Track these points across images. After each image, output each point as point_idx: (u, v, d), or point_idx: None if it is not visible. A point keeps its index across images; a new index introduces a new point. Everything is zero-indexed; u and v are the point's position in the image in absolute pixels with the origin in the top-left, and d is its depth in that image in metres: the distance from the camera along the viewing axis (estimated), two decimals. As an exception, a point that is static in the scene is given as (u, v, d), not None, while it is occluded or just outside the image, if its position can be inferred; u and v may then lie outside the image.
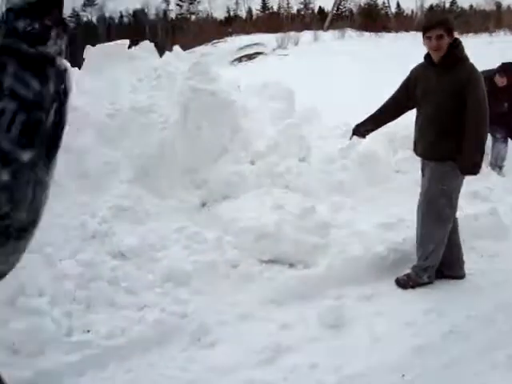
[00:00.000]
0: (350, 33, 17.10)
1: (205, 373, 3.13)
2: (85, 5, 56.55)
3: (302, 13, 50.07)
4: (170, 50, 6.47)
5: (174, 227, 4.32)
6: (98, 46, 6.01)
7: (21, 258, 1.70)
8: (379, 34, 17.03)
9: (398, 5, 54.38)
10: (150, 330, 3.48)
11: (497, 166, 6.53)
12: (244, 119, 5.52)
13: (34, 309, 3.57)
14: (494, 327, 3.37)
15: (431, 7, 43.25)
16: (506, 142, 6.61)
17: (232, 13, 59.29)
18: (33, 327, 3.43)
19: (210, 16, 53.30)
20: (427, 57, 3.80)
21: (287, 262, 4.21)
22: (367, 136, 4.29)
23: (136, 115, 4.95)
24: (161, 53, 6.33)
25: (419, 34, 3.83)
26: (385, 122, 4.22)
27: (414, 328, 3.41)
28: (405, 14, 49.03)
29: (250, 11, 56.27)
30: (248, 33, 19.21)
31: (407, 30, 18.96)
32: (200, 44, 19.16)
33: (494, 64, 6.56)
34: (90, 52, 5.95)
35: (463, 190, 5.17)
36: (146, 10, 55.88)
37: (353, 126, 4.26)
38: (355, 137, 4.23)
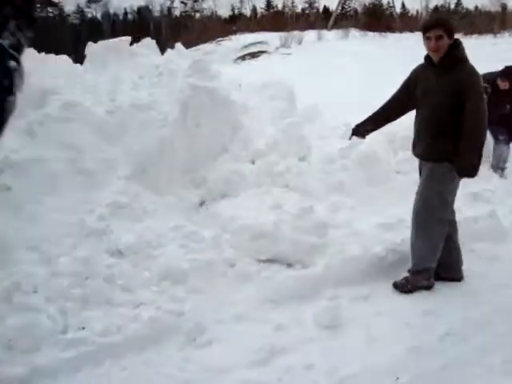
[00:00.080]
0: (354, 32, 17.05)
1: (200, 372, 3.11)
2: (89, 1, 56.61)
3: (307, 12, 50.01)
4: (173, 47, 6.45)
5: (171, 225, 4.30)
6: (100, 42, 6.01)
7: None
8: (383, 34, 16.97)
9: (403, 5, 54.31)
10: (146, 328, 3.46)
11: (499, 168, 6.51)
12: (244, 118, 5.51)
13: (30, 305, 3.57)
14: (490, 330, 3.34)
15: (436, 8, 43.15)
16: (508, 143, 6.59)
17: (236, 11, 59.37)
18: (28, 324, 3.42)
19: (215, 14, 53.30)
20: (427, 57, 3.78)
21: (285, 261, 4.20)
22: (367, 136, 4.27)
23: (136, 112, 4.93)
24: (164, 50, 6.33)
25: (424, 35, 3.79)
26: (385, 123, 4.20)
27: (410, 330, 3.39)
28: (410, 15, 48.92)
29: (254, 9, 56.22)
30: (252, 31, 19.18)
31: (412, 31, 18.88)
32: (204, 42, 19.14)
33: (497, 66, 6.53)
34: (91, 48, 5.96)
35: (463, 191, 5.16)
36: (151, 7, 55.95)
37: (353, 126, 4.24)
38: (355, 137, 4.21)
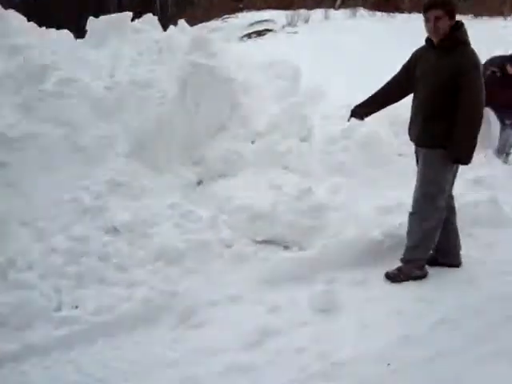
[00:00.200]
0: (362, 12, 16.73)
1: (191, 353, 3.12)
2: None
3: (315, -10, 49.29)
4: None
5: (168, 204, 4.27)
6: (101, 17, 5.92)
7: None
8: (392, 14, 16.68)
9: (414, -15, 53.49)
10: (139, 307, 3.47)
11: (504, 152, 6.41)
12: (245, 96, 5.43)
13: (24, 282, 3.58)
14: (484, 319, 3.30)
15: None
16: (514, 128, 6.48)
17: (244, -12, 58.58)
18: (22, 301, 3.44)
19: (223, -10, 52.62)
20: (428, 39, 3.69)
21: (282, 243, 4.18)
22: (366, 118, 4.20)
23: (135, 89, 4.86)
24: (167, 27, 6.23)
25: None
26: (384, 105, 4.12)
27: (403, 316, 3.36)
28: (420, -5, 48.26)
29: (262, -13, 55.47)
30: (259, 9, 18.92)
31: (420, 12, 18.51)
32: (210, 19, 18.94)
33: (507, 49, 6.42)
34: (92, 23, 5.86)
35: (465, 176, 5.10)
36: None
37: (352, 107, 4.16)
38: (353, 119, 4.13)
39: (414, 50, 3.88)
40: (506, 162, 6.19)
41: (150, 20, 6.02)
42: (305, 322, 3.35)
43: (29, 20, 5.66)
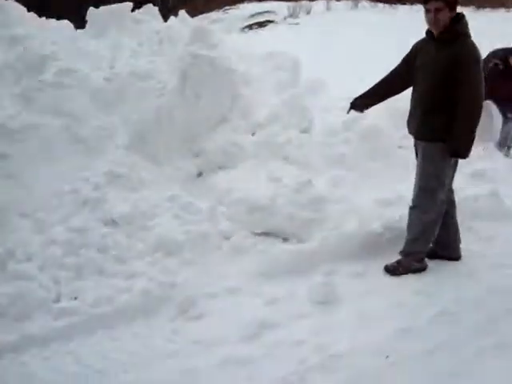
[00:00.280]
0: (364, 3, 16.63)
1: (188, 345, 3.12)
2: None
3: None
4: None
5: (167, 195, 4.26)
6: (101, 7, 5.89)
7: None
8: (393, 5, 16.59)
9: (416, -24, 53.16)
10: (138, 299, 3.47)
11: (506, 145, 6.38)
12: (246, 88, 5.41)
13: (23, 273, 3.58)
14: (483, 312, 3.28)
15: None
16: (516, 121, 6.45)
17: (246, -21, 58.27)
18: (21, 292, 3.44)
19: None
20: (429, 31, 3.65)
21: (281, 235, 4.16)
22: (366, 111, 4.16)
23: (134, 80, 4.85)
24: (168, 18, 6.20)
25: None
26: (384, 97, 4.08)
27: (402, 309, 3.35)
28: (422, -14, 47.86)
29: (264, -23, 55.19)
30: (260, 0, 18.84)
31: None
32: (211, 10, 18.86)
33: (510, 42, 6.37)
34: (92, 14, 5.84)
35: (466, 169, 5.08)
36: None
37: (351, 99, 4.12)
38: (353, 111, 4.10)
39: (415, 41, 3.85)
40: (507, 155, 6.16)
41: (151, 10, 6.00)
42: (303, 315, 3.35)
43: (29, 10, 5.65)
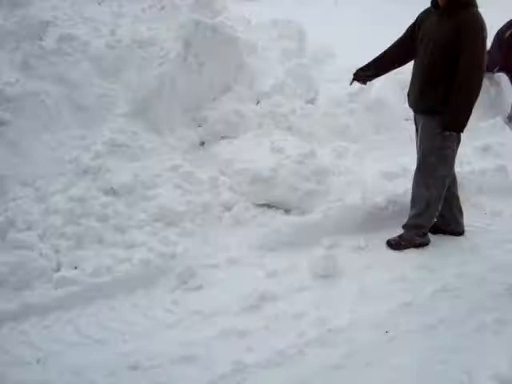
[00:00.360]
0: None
1: (188, 316, 3.10)
2: None
3: None
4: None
5: (168, 165, 4.21)
6: (104, -29, 5.76)
7: None
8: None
9: None
10: (137, 269, 3.44)
11: (515, 119, 6.28)
12: (250, 57, 5.31)
13: (23, 242, 3.55)
14: (485, 288, 3.26)
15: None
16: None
17: None
18: (21, 260, 3.42)
19: None
20: (433, 0, 3.52)
21: (282, 207, 4.12)
22: (370, 82, 4.05)
23: (136, 47, 4.76)
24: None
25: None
26: (388, 69, 3.94)
27: (403, 283, 3.32)
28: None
29: None
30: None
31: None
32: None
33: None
34: (95, -22, 5.71)
35: (472, 144, 5.01)
36: None
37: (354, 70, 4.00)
38: (356, 82, 3.99)
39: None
40: (515, 129, 6.06)
41: (154, -25, 5.84)
42: (304, 287, 3.33)
43: (29, -25, 5.52)
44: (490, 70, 5.87)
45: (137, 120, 4.46)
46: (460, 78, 3.35)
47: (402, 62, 3.88)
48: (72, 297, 3.29)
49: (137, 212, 3.81)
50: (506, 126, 5.86)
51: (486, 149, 5.03)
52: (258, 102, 5.12)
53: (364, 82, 4.02)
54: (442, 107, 3.44)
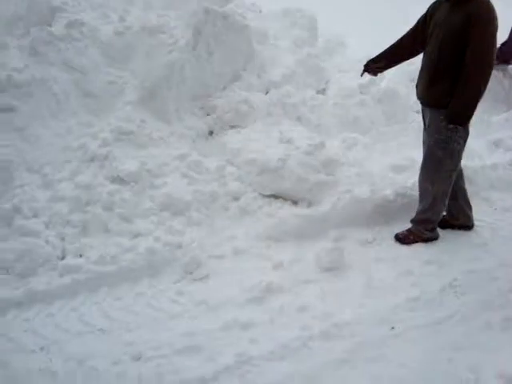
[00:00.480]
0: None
1: (192, 307, 3.09)
2: None
3: None
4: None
5: (176, 154, 4.17)
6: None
7: None
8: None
9: None
10: (143, 259, 3.43)
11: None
12: (260, 45, 5.26)
13: (29, 230, 3.55)
14: (494, 285, 3.21)
15: None
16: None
17: None
18: (26, 248, 3.41)
19: None
20: None
21: (290, 198, 4.08)
22: (379, 74, 3.98)
23: (145, 34, 4.71)
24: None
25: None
26: (398, 61, 3.86)
27: (411, 278, 3.28)
28: None
29: None
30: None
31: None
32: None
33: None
34: (105, -37, 5.65)
35: (484, 138, 4.93)
36: None
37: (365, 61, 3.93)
38: (366, 73, 3.92)
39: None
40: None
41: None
42: (310, 280, 3.29)
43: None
44: (506, 61, 5.79)
45: (145, 108, 4.42)
46: (466, 68, 3.25)
47: (413, 54, 3.80)
48: (77, 285, 3.28)
49: (143, 200, 3.79)
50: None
51: (497, 143, 4.95)
52: (267, 92, 5.08)
53: (375, 74, 3.94)
54: (447, 100, 3.35)
